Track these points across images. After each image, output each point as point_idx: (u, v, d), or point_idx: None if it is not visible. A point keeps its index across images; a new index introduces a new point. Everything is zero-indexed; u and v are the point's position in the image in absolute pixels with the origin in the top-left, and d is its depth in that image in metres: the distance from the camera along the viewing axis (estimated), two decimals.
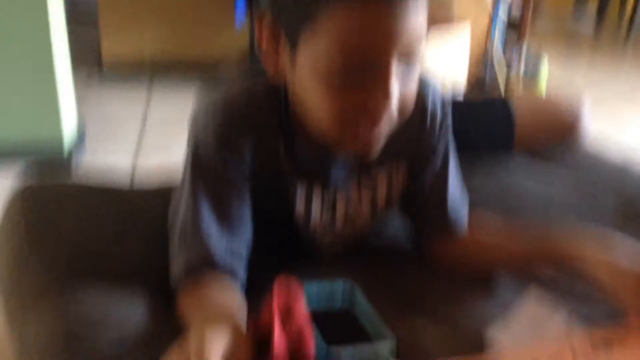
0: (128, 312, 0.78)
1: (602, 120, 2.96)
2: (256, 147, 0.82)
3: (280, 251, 0.92)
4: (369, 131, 0.73)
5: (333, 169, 0.87)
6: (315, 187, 0.88)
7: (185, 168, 0.83)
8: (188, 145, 0.83)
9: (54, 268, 0.85)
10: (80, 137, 2.34)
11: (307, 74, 0.71)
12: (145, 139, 2.49)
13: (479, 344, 0.74)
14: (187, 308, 0.77)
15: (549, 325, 0.75)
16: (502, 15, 3.23)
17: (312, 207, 0.89)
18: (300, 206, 0.88)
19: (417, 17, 0.69)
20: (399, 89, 0.71)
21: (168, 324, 0.77)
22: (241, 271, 0.81)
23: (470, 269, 0.91)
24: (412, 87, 0.73)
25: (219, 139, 0.80)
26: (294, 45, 0.72)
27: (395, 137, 0.86)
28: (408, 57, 0.70)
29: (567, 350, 0.71)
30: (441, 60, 2.81)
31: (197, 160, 0.82)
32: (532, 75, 3.06)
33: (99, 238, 0.92)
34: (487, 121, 1.26)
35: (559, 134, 1.28)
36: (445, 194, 0.92)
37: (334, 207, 0.90)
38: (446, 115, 0.91)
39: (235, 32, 3.11)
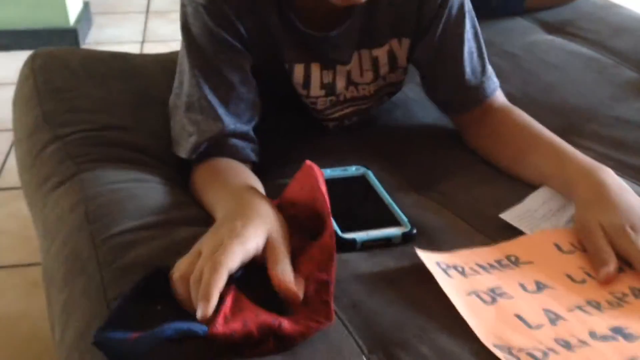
0: (147, 190, 0.78)
1: None
2: (250, 20, 0.79)
3: (288, 127, 0.91)
4: None
5: (331, 42, 0.84)
6: (313, 59, 0.85)
7: (181, 41, 0.81)
8: (181, 15, 0.80)
9: (72, 144, 0.85)
10: (87, 17, 2.28)
11: None
12: (151, 15, 2.42)
13: (495, 230, 0.72)
14: (205, 186, 0.77)
15: (566, 212, 0.74)
16: None
17: (310, 80, 0.86)
18: (298, 78, 0.86)
19: None
20: None
21: (186, 199, 0.78)
22: (252, 154, 0.81)
23: (497, 151, 0.86)
24: None
25: (209, 9, 0.77)
26: None
27: (393, 10, 0.82)
28: None
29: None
30: None
31: (192, 38, 0.79)
32: None
33: (114, 111, 0.91)
34: None
35: None
36: (459, 63, 0.86)
37: (334, 80, 0.87)
38: None
39: None
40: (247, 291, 0.56)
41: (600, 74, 1.06)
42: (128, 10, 2.45)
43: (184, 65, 0.81)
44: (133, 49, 2.15)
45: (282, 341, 0.52)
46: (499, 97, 0.90)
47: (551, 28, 1.24)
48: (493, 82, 0.90)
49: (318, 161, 0.68)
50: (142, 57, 1.10)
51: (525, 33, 1.22)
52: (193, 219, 0.72)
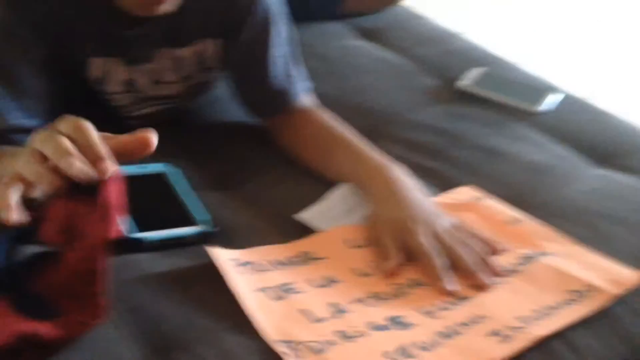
0: None
1: None
2: (46, 7, 0.75)
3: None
4: None
5: (133, 38, 0.81)
6: (114, 54, 0.82)
7: None
8: None
9: None
10: None
11: None
12: None
13: (295, 227, 0.74)
14: None
15: (362, 209, 0.77)
16: None
17: (110, 75, 0.83)
18: (96, 72, 0.82)
19: None
20: None
21: None
22: None
23: (302, 151, 0.89)
24: None
25: (8, 6, 0.73)
26: None
27: (201, 11, 0.82)
28: None
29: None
30: None
31: None
32: None
33: None
34: None
35: None
36: (265, 67, 0.88)
37: (135, 78, 0.85)
38: None
39: None
40: (8, 293, 0.52)
41: (404, 80, 1.13)
42: None
43: None
44: None
45: (43, 348, 0.49)
46: (306, 99, 0.93)
47: (364, 34, 1.30)
48: (300, 86, 0.92)
49: None
50: None
51: (339, 37, 1.27)
52: None
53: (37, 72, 0.76)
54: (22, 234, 0.58)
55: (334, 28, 1.30)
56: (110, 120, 0.87)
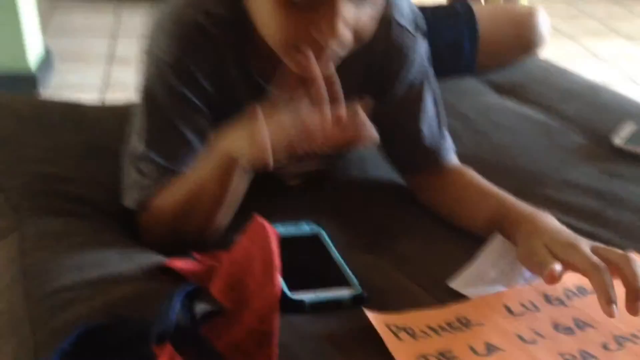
0: (89, 243, 0.75)
1: (575, 43, 2.94)
2: (213, 72, 0.79)
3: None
4: (317, 58, 0.70)
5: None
6: None
7: (140, 94, 0.80)
8: (142, 71, 0.80)
9: (14, 194, 0.82)
10: (48, 62, 2.26)
11: None
12: (114, 61, 2.41)
13: (447, 292, 0.72)
14: (176, 188, 0.76)
15: (516, 272, 0.74)
16: None
17: None
18: None
19: None
20: (354, 19, 0.69)
21: (129, 253, 0.75)
22: None
23: (449, 208, 0.88)
24: (369, 21, 0.71)
25: (174, 67, 0.77)
26: None
27: (356, 66, 0.83)
28: None
29: (539, 296, 0.70)
30: None
31: (152, 94, 0.78)
32: None
33: (62, 160, 0.89)
34: (451, 32, 1.25)
35: (518, 43, 1.30)
36: (418, 125, 0.88)
37: None
38: (418, 35, 0.86)
39: None
40: (184, 351, 0.54)
41: (549, 138, 1.09)
42: (90, 57, 2.44)
43: (140, 118, 0.80)
44: (94, 95, 2.13)
45: None
46: (453, 159, 0.92)
47: (502, 90, 1.27)
48: (449, 146, 0.91)
49: (272, 217, 0.66)
50: (97, 107, 1.09)
51: (477, 94, 1.25)
52: (134, 274, 0.70)
53: (203, 137, 0.80)
54: (194, 290, 0.61)
55: (471, 84, 1.29)
56: (265, 176, 0.91)
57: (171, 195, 0.77)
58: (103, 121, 1.01)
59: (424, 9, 0.92)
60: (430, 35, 0.90)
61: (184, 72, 0.77)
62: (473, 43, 1.27)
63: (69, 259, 0.70)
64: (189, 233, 0.76)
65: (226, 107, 0.82)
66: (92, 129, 0.98)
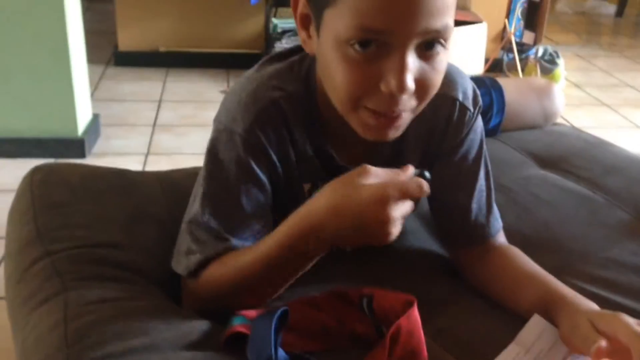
0: (134, 310, 0.76)
1: (614, 113, 2.92)
2: (283, 148, 0.81)
3: None
4: (386, 114, 0.71)
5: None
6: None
7: (205, 161, 0.82)
8: (211, 139, 0.82)
9: (60, 261, 0.84)
10: (95, 128, 2.34)
11: (328, 48, 0.71)
12: (158, 132, 2.49)
13: None
14: (226, 267, 0.77)
15: (554, 354, 0.73)
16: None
17: None
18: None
19: (441, 1, 0.67)
20: (419, 73, 0.69)
21: (174, 320, 0.76)
22: None
23: (492, 287, 0.87)
24: (435, 74, 0.71)
25: (247, 141, 0.78)
26: (319, 23, 0.72)
27: (419, 139, 0.85)
28: (430, 42, 0.68)
29: None
30: (459, 57, 2.79)
31: (218, 162, 0.79)
32: (549, 65, 3.02)
33: (109, 227, 0.92)
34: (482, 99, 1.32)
35: (539, 110, 1.40)
36: (469, 200, 0.88)
37: None
38: (477, 114, 0.87)
39: (249, 22, 3.10)
40: None
41: (593, 214, 1.07)
42: (136, 123, 2.53)
43: (202, 184, 0.81)
44: (137, 160, 2.19)
45: None
46: (500, 237, 0.91)
47: (544, 163, 1.27)
48: (498, 223, 0.91)
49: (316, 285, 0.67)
50: (142, 174, 1.12)
51: (519, 167, 1.24)
52: (180, 341, 0.70)
53: (262, 213, 0.81)
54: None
55: (511, 155, 1.28)
56: None
57: (229, 269, 0.77)
58: (148, 188, 1.04)
59: None
60: None
61: (254, 144, 0.79)
62: (500, 109, 1.34)
63: (112, 326, 0.71)
64: (236, 305, 0.76)
65: (292, 185, 0.84)
66: (138, 195, 1.01)
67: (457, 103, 0.85)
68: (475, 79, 1.40)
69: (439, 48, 0.69)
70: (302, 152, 0.83)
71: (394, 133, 0.74)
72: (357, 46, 0.67)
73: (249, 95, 0.79)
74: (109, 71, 3.06)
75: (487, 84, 1.35)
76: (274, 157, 0.81)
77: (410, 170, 0.72)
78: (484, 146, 0.90)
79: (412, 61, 0.68)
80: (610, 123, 2.80)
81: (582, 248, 0.98)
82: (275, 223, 0.80)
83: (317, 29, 0.73)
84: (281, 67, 0.82)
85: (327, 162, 0.84)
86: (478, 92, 0.88)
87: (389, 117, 0.71)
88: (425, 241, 1.00)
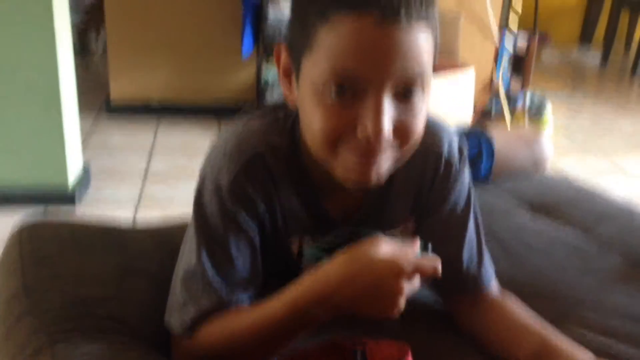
0: None
1: (602, 159, 2.96)
2: (268, 200, 0.81)
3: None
4: (364, 159, 0.71)
5: (354, 222, 0.85)
6: (315, 237, 0.85)
7: (193, 214, 0.81)
8: (197, 191, 0.81)
9: (48, 315, 0.83)
10: (86, 179, 2.34)
11: (305, 95, 0.71)
12: (149, 181, 2.49)
13: None
14: (225, 329, 0.76)
15: None
16: (508, 48, 3.25)
17: (310, 257, 0.87)
18: (297, 254, 0.86)
19: (416, 46, 0.67)
20: (397, 119, 0.69)
21: None
22: None
23: (487, 338, 0.86)
24: (414, 120, 0.71)
25: (233, 192, 0.78)
26: (298, 72, 0.73)
27: (407, 193, 0.85)
28: (407, 87, 0.68)
29: None
30: (447, 105, 2.84)
31: (204, 213, 0.79)
32: (536, 112, 3.07)
33: (98, 281, 0.90)
34: (471, 150, 1.34)
35: (527, 159, 1.43)
36: (459, 251, 0.88)
37: None
38: (463, 166, 0.88)
39: (241, 73, 3.14)
40: None
41: (585, 261, 1.07)
42: (127, 173, 2.53)
43: (190, 238, 0.81)
44: (128, 210, 2.18)
45: None
46: (493, 287, 0.91)
47: (536, 210, 1.27)
48: (489, 272, 0.90)
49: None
50: (133, 229, 1.11)
51: (511, 214, 1.25)
52: None
53: (252, 261, 0.80)
54: None
55: (504, 202, 1.29)
56: None
57: (227, 328, 0.76)
58: (139, 243, 1.03)
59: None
60: None
61: (240, 194, 0.78)
62: (490, 159, 1.36)
63: None
64: None
65: (278, 239, 0.84)
66: (128, 250, 1.00)
67: (443, 158, 0.85)
68: (469, 129, 1.45)
69: (416, 94, 0.69)
70: (289, 207, 0.82)
71: (376, 176, 0.73)
72: (333, 91, 0.68)
73: (233, 147, 0.80)
74: (101, 122, 3.08)
75: (476, 134, 1.38)
76: (261, 209, 0.80)
77: (417, 243, 0.74)
78: (473, 196, 0.90)
79: (389, 106, 0.68)
80: (599, 169, 2.83)
81: (576, 295, 0.98)
82: (264, 278, 0.80)
83: (297, 79, 0.73)
84: (266, 121, 0.82)
85: (318, 217, 0.84)
86: (464, 142, 0.89)
87: (369, 162, 0.71)
88: (422, 291, 0.99)
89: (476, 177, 1.31)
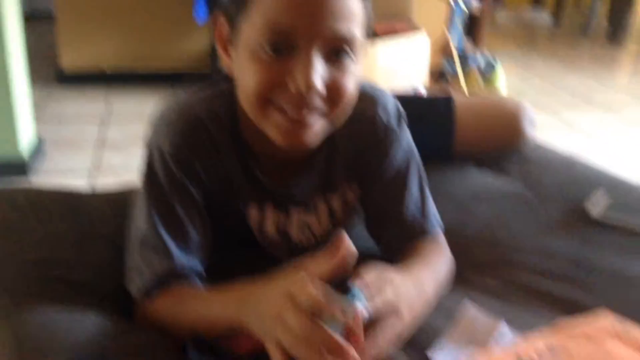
0: (85, 324, 0.77)
1: (550, 115, 3.04)
2: (211, 165, 0.83)
3: (243, 261, 0.92)
4: (295, 115, 0.73)
5: (289, 188, 0.88)
6: (268, 206, 0.89)
7: (142, 181, 0.84)
8: (144, 159, 0.84)
9: (7, 278, 0.84)
10: (40, 149, 2.31)
11: (242, 57, 0.74)
12: (104, 149, 2.47)
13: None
14: (182, 307, 0.78)
15: (489, 336, 0.76)
16: (462, 9, 3.29)
17: (265, 224, 0.90)
18: (253, 222, 0.89)
19: (346, 9, 0.71)
20: (328, 78, 0.72)
21: (127, 329, 0.78)
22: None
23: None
24: (345, 79, 0.74)
25: (175, 157, 0.81)
26: (236, 37, 0.76)
27: (345, 157, 0.88)
28: (337, 48, 0.72)
29: (512, 358, 0.72)
30: (402, 68, 2.86)
31: (154, 180, 0.82)
32: (489, 72, 3.13)
33: (57, 246, 0.92)
34: (427, 119, 1.25)
35: (500, 138, 1.29)
36: (402, 209, 0.90)
37: (288, 225, 0.91)
38: (400, 129, 0.90)
39: (195, 39, 3.11)
40: None
41: (528, 210, 1.12)
42: (82, 143, 2.50)
43: (141, 205, 0.83)
44: (84, 180, 2.17)
45: None
46: (438, 237, 0.93)
47: (483, 164, 1.31)
48: (432, 224, 0.93)
49: None
50: (90, 195, 1.12)
51: (460, 170, 1.28)
52: (134, 349, 0.72)
53: (200, 224, 0.83)
54: None
55: (454, 160, 1.33)
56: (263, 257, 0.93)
57: (171, 308, 0.79)
58: (96, 208, 1.04)
59: (404, 99, 0.97)
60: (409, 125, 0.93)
61: (184, 162, 0.81)
62: (448, 138, 1.27)
63: (64, 340, 0.72)
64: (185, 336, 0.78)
65: (229, 205, 0.87)
66: (86, 216, 1.01)
67: (379, 123, 0.88)
68: (428, 101, 1.33)
69: (346, 57, 0.73)
70: (232, 174, 0.85)
71: (309, 138, 0.76)
72: (267, 49, 0.71)
73: (175, 114, 0.83)
74: (53, 91, 3.02)
75: (439, 107, 1.29)
76: (204, 175, 0.83)
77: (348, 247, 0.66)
78: (414, 155, 0.93)
79: (320, 64, 0.71)
80: (547, 125, 2.91)
81: (518, 242, 1.03)
82: (221, 242, 0.83)
83: (236, 45, 0.76)
84: (209, 91, 0.85)
85: (259, 184, 0.87)
86: (399, 106, 0.91)
87: (301, 120, 0.74)
88: (370, 241, 1.03)
89: (437, 148, 1.30)
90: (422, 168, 0.94)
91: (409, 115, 0.93)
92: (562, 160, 1.32)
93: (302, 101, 0.72)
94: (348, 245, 0.64)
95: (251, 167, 0.86)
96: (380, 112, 0.88)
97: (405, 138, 0.92)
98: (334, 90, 0.73)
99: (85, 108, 2.86)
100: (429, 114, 1.27)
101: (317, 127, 0.75)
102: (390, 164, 0.90)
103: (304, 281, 0.63)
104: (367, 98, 0.87)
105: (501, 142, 1.30)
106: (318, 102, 0.73)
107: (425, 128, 1.17)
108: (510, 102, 1.32)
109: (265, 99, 0.73)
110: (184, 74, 3.12)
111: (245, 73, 0.74)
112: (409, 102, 1.02)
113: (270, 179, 0.87)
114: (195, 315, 0.77)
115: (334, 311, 0.62)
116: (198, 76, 2.94)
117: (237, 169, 0.85)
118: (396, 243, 0.93)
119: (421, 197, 0.93)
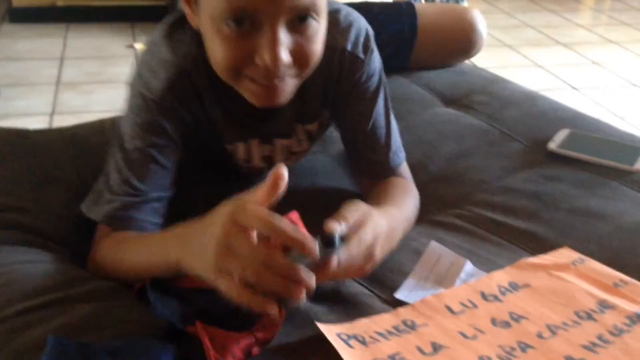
0: (44, 269, 0.77)
1: (515, 52, 3.04)
2: (194, 111, 0.85)
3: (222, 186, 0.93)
4: (266, 84, 0.74)
5: (269, 127, 0.91)
6: (252, 140, 0.91)
7: (122, 120, 0.84)
8: (127, 100, 0.84)
9: None
10: None
11: (206, 24, 0.74)
12: (62, 91, 2.39)
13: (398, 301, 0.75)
14: (123, 251, 0.78)
15: (454, 275, 0.78)
16: None
17: (253, 158, 0.93)
18: (240, 158, 0.93)
19: None
20: (294, 46, 0.73)
21: (85, 275, 0.78)
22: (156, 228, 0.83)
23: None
24: (310, 45, 0.75)
25: (159, 104, 0.82)
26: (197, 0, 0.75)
27: (315, 90, 0.89)
28: (301, 15, 0.72)
29: (476, 294, 0.75)
30: None
31: (133, 122, 0.83)
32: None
33: (13, 192, 0.90)
34: (390, 24, 1.31)
35: (457, 43, 1.38)
36: (367, 136, 0.93)
37: (273, 154, 0.94)
38: (369, 56, 0.90)
39: None
40: (214, 321, 0.62)
41: (491, 146, 1.14)
42: (37, 82, 2.42)
43: (116, 140, 0.84)
44: (42, 121, 2.11)
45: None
46: (403, 171, 0.96)
47: (448, 101, 1.32)
48: (398, 158, 0.95)
49: None
50: (46, 133, 1.09)
51: (425, 105, 1.29)
52: (93, 294, 0.72)
53: (172, 168, 0.84)
54: None
55: (419, 95, 1.33)
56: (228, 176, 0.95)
57: (110, 252, 0.79)
58: (53, 148, 1.01)
59: (370, 5, 0.97)
60: (374, 28, 0.94)
61: (167, 108, 0.82)
62: (412, 36, 1.34)
63: (24, 285, 0.72)
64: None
65: (209, 141, 0.90)
66: (43, 156, 0.98)
67: (347, 53, 0.88)
68: (392, 5, 1.39)
69: (311, 21, 0.73)
70: (215, 119, 0.87)
71: (283, 98, 0.78)
72: (230, 23, 0.71)
73: (159, 62, 0.82)
74: (4, 29, 2.89)
75: (402, 8, 1.35)
76: (187, 120, 0.85)
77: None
78: (382, 81, 0.94)
79: (284, 36, 0.71)
80: (511, 62, 2.92)
81: (480, 178, 1.04)
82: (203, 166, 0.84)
83: (198, 5, 0.75)
84: (185, 36, 0.84)
85: (239, 128, 0.89)
86: (369, 32, 0.91)
87: (272, 86, 0.75)
88: (340, 180, 1.04)
89: (397, 61, 1.33)
90: (389, 98, 0.95)
91: (372, 19, 0.94)
92: (525, 96, 1.33)
93: (270, 74, 0.73)
94: (282, 174, 0.59)
95: (232, 111, 0.87)
96: (350, 45, 0.88)
97: (373, 65, 0.92)
98: (302, 56, 0.74)
99: (39, 46, 2.75)
100: (393, 13, 1.33)
101: (289, 87, 0.77)
102: (360, 90, 0.91)
103: (246, 203, 0.59)
104: (339, 28, 0.87)
105: (457, 47, 1.38)
106: (287, 70, 0.74)
107: (388, 31, 1.25)
108: (465, 8, 1.42)
109: (235, 71, 0.75)
110: (142, 8, 3.00)
111: (211, 43, 0.75)
112: (373, 6, 1.11)
113: (251, 119, 0.89)
114: (136, 258, 0.76)
115: (286, 231, 0.58)
116: (155, 10, 2.83)
117: (219, 114, 0.87)
118: (364, 174, 0.96)
119: (387, 129, 0.94)
